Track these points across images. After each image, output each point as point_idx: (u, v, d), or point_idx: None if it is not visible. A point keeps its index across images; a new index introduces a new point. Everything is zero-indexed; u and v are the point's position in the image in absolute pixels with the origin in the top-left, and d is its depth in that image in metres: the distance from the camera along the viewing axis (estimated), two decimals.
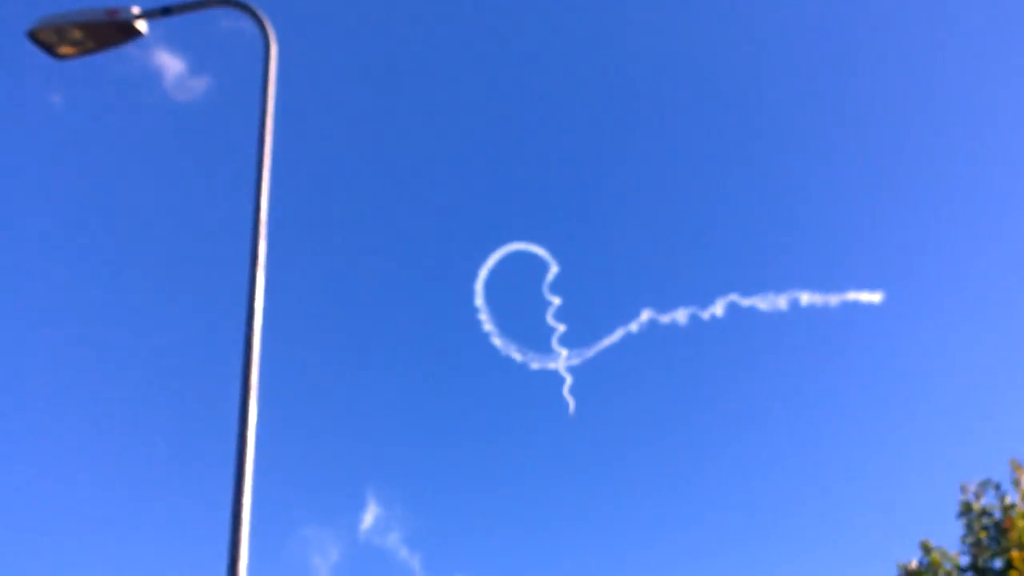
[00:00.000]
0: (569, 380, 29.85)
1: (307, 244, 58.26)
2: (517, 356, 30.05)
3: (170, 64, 55.86)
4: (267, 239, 14.29)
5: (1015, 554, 18.96)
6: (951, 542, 19.87)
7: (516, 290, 32.97)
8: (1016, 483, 19.81)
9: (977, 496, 19.86)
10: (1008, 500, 19.62)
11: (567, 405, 29.83)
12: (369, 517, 49.83)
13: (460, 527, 56.72)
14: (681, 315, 30.47)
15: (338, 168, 61.19)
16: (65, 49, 13.94)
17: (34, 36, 13.84)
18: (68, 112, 57.54)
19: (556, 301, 30.29)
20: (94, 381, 58.44)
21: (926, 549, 19.81)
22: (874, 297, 30.84)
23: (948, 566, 19.58)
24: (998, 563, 19.26)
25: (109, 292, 59.86)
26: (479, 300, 30.00)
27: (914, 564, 19.69)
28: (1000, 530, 19.28)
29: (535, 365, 29.96)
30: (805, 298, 30.59)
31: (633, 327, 30.46)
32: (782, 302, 30.37)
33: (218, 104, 57.12)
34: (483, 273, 30.10)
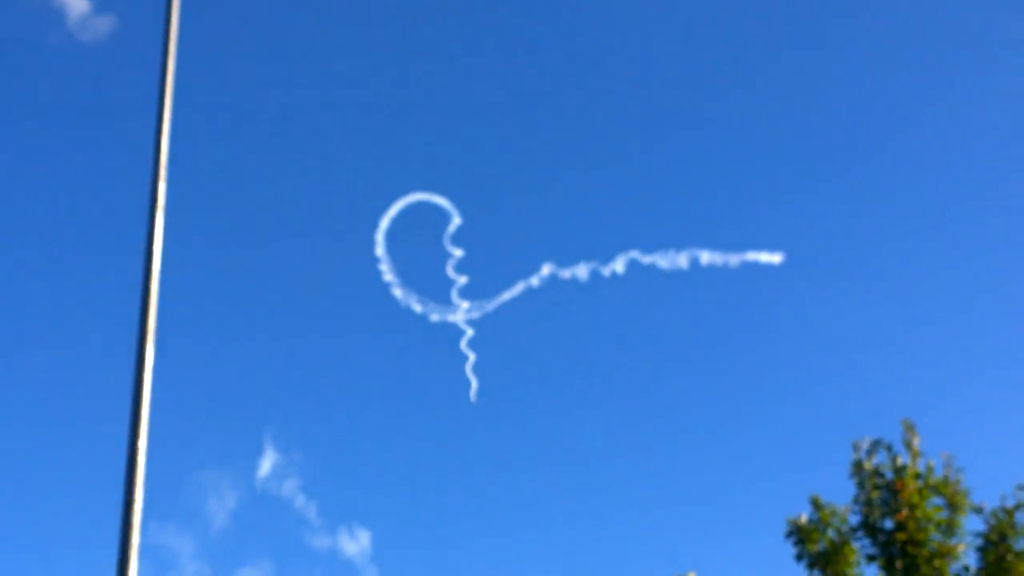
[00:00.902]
0: (470, 333, 29.80)
1: (207, 189, 57.69)
2: (417, 308, 29.92)
3: (74, 2, 54.97)
4: (167, 182, 14.15)
5: (903, 513, 19.19)
6: (843, 501, 20.03)
7: (417, 241, 32.87)
8: (907, 444, 20.01)
9: (869, 455, 20.05)
10: (900, 461, 19.82)
11: (466, 358, 29.76)
12: (266, 463, 49.69)
13: (357, 476, 56.73)
14: (582, 270, 30.47)
15: (240, 113, 60.61)
16: None
17: None
18: None
19: (458, 253, 30.17)
20: None
21: (816, 505, 19.96)
22: (774, 258, 31.04)
23: (837, 522, 19.76)
24: (889, 523, 19.47)
25: (5, 232, 58.94)
26: (380, 250, 29.81)
27: (804, 519, 19.84)
28: (892, 491, 19.49)
29: (435, 317, 29.86)
30: (705, 257, 30.71)
31: (534, 281, 30.43)
32: (683, 260, 30.46)
33: (122, 45, 56.31)
34: (384, 223, 29.91)
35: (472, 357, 29.96)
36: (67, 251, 60.31)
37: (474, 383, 30.08)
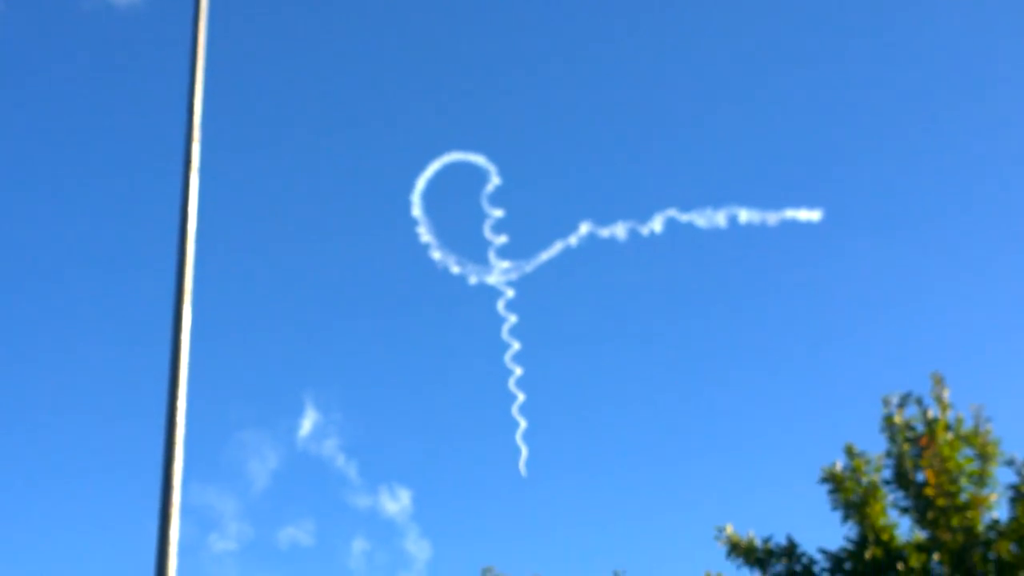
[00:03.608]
0: (510, 294, 29.89)
1: (242, 150, 57.94)
2: (455, 269, 30.05)
3: None
4: (201, 143, 14.30)
5: (929, 472, 19.26)
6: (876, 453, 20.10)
7: (455, 202, 32.99)
8: (937, 397, 20.04)
9: (899, 409, 20.08)
10: (930, 414, 19.85)
11: (504, 320, 29.89)
12: (307, 423, 50.01)
13: (397, 436, 57.08)
14: (620, 229, 30.47)
15: (274, 73, 60.77)
16: None
17: None
18: (4, 13, 56.81)
19: (497, 213, 30.23)
20: (23, 285, 58.15)
21: (850, 453, 20.02)
22: (813, 215, 30.95)
23: (871, 471, 19.82)
24: (921, 476, 19.53)
25: (41, 191, 59.44)
26: (417, 211, 29.92)
27: (838, 466, 19.93)
28: (920, 445, 19.55)
29: (473, 279, 29.96)
30: (744, 215, 30.65)
31: (572, 240, 30.46)
32: (721, 218, 30.42)
33: (156, 7, 56.50)
34: (421, 183, 30.00)
35: (512, 319, 30.05)
36: (102, 213, 60.72)
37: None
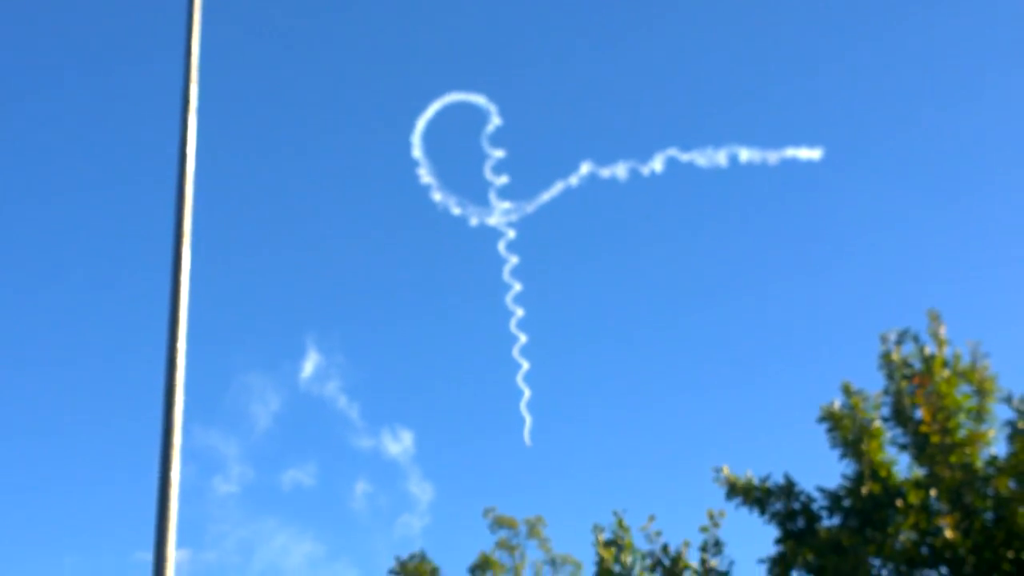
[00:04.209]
0: (511, 235, 29.89)
1: (243, 92, 57.83)
2: (456, 210, 30.03)
3: None
4: (199, 84, 14.29)
5: (926, 409, 19.31)
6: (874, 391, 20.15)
7: (455, 142, 32.94)
8: (934, 334, 20.06)
9: (896, 346, 20.10)
10: (928, 351, 19.88)
11: (505, 261, 29.91)
12: (309, 365, 50.19)
13: (398, 377, 57.30)
14: (621, 169, 30.42)
15: (275, 14, 60.59)
16: None
17: None
18: None
19: (498, 154, 30.16)
20: (23, 232, 58.34)
21: (847, 391, 20.09)
22: (813, 154, 30.88)
23: (869, 408, 19.89)
24: (919, 413, 19.58)
25: (42, 139, 59.48)
26: (417, 152, 29.86)
27: (836, 404, 20.00)
28: (916, 384, 19.58)
29: (474, 220, 29.95)
30: (744, 154, 30.59)
31: (573, 180, 30.42)
32: (721, 158, 30.37)
33: None
34: (421, 124, 29.92)
35: (513, 260, 30.07)
36: (101, 156, 60.80)
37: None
